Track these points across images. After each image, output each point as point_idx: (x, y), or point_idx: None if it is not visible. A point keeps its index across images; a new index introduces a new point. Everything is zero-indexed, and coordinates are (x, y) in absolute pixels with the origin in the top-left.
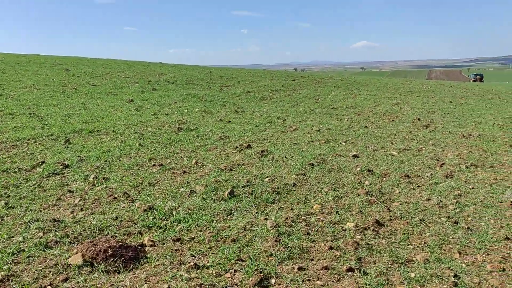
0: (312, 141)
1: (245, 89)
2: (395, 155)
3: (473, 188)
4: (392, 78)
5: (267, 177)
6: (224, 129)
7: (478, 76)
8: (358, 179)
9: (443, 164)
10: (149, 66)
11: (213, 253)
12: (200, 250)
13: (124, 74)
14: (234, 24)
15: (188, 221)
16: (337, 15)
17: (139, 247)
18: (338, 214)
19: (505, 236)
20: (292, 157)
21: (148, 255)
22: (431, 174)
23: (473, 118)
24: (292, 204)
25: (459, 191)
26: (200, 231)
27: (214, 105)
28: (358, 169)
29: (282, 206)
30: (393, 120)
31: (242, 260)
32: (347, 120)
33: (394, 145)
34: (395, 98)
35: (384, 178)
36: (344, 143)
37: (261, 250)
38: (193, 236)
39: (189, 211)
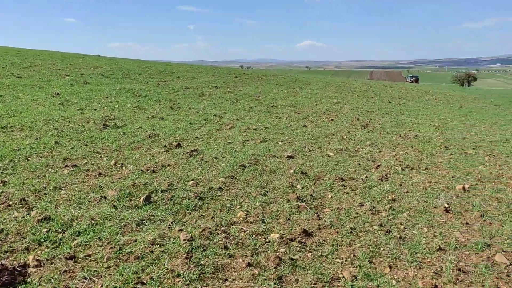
0: (247, 140)
1: (184, 85)
2: (332, 156)
3: (407, 192)
4: (334, 77)
5: (192, 180)
6: (155, 126)
7: (414, 78)
8: (290, 182)
9: (379, 166)
10: (84, 59)
11: (110, 274)
12: (95, 270)
13: (56, 66)
14: (180, 19)
15: (88, 234)
16: (283, 14)
17: (19, 269)
18: (264, 222)
19: (438, 247)
20: (223, 157)
21: (28, 279)
22: (366, 177)
23: (410, 118)
24: (214, 211)
25: (393, 195)
26: (101, 246)
27: (149, 100)
28: (292, 171)
29: (203, 214)
30: (332, 120)
31: (143, 283)
32: (286, 119)
33: (331, 145)
34: (336, 97)
35: (318, 181)
36: (280, 143)
37: (167, 269)
38: (90, 252)
39: (93, 222)
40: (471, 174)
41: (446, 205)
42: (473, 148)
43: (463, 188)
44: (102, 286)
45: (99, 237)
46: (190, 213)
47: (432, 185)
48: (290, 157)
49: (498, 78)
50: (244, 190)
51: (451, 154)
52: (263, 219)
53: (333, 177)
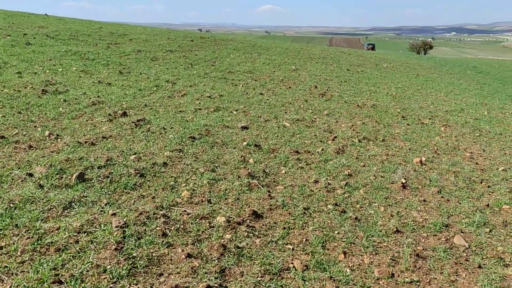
0: (199, 109)
1: (136, 48)
2: (287, 126)
3: (364, 166)
4: (293, 43)
5: (134, 154)
6: (101, 92)
7: (370, 46)
8: (242, 156)
9: (336, 137)
10: (30, 18)
11: (23, 271)
12: (6, 266)
13: None
14: None
15: (5, 221)
16: None
17: None
18: (210, 203)
19: (395, 229)
20: (172, 128)
21: None
22: (322, 150)
23: (368, 87)
24: (156, 190)
25: (349, 170)
26: (17, 235)
27: (97, 64)
28: (245, 143)
29: (143, 194)
30: (290, 87)
31: (60, 282)
32: (242, 86)
33: (288, 115)
34: (294, 64)
35: (272, 155)
36: (235, 112)
37: (92, 264)
38: (3, 244)
39: (11, 205)
40: (427, 146)
41: (404, 181)
42: (429, 118)
43: (420, 161)
44: (11, 286)
45: (16, 224)
46: (128, 193)
47: (389, 158)
48: (244, 127)
49: (453, 46)
50: (191, 165)
51: (408, 124)
52: (210, 199)
53: (288, 150)
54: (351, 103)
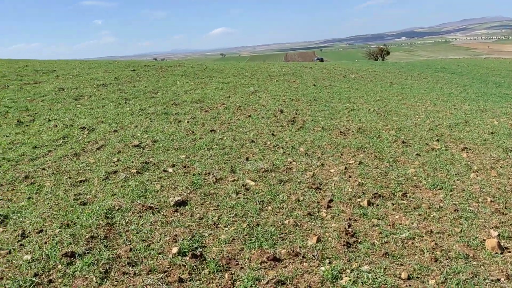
0: (114, 173)
1: (59, 86)
2: (252, 187)
3: (408, 280)
4: (249, 62)
5: None
6: None
7: (318, 59)
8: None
9: (332, 201)
10: None
11: None
12: None
13: None
14: (85, 15)
15: None
16: (191, 3)
17: None
18: None
19: None
20: (40, 232)
21: None
22: (318, 241)
23: (343, 104)
24: None
25: None
26: None
27: None
28: (175, 250)
29: None
30: (249, 116)
31: None
32: (188, 122)
33: (251, 164)
34: (253, 85)
35: (226, 278)
36: (170, 170)
37: None
38: None
39: None
40: (473, 196)
41: None
42: (437, 140)
43: (498, 245)
44: None
45: None
46: None
47: (438, 243)
48: (179, 204)
49: (405, 50)
50: None
51: (417, 155)
52: None
53: (257, 255)
54: (331, 129)
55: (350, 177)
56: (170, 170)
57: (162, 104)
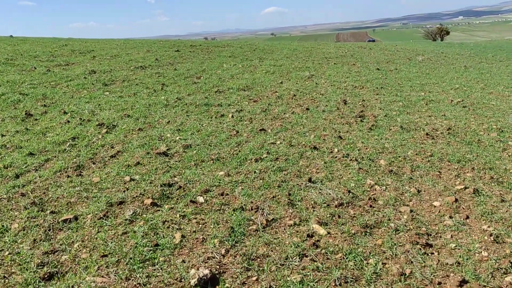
0: (120, 204)
1: (91, 68)
2: (322, 237)
3: None
4: (302, 42)
5: None
6: None
7: (370, 41)
8: None
9: (463, 285)
10: None
11: None
12: None
13: None
14: None
15: None
16: None
17: None
18: None
19: None
20: None
21: None
22: None
23: (416, 92)
24: None
25: None
26: None
27: (2, 103)
28: None
29: None
30: (307, 109)
31: None
32: (232, 117)
33: (315, 191)
34: (308, 69)
35: None
36: (199, 201)
37: None
38: None
39: None
40: None
41: None
42: None
43: None
44: None
45: None
46: None
47: None
48: (205, 283)
49: (463, 31)
50: None
51: None
52: None
53: None
54: (412, 128)
55: (467, 217)
56: (201, 199)
57: (203, 92)
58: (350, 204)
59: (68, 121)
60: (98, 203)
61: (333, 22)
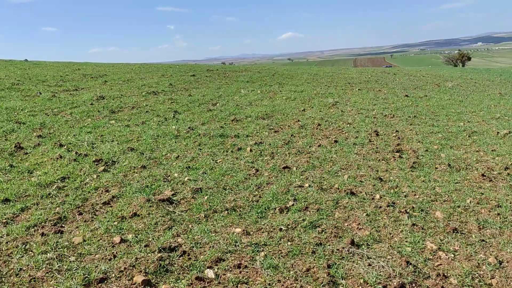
0: (101, 282)
1: (100, 94)
2: None
3: None
4: (322, 67)
5: None
6: None
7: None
8: None
9: None
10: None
11: None
12: None
13: None
14: (159, 20)
15: None
16: (261, 8)
17: None
18: None
19: None
20: None
21: None
22: None
23: (454, 122)
24: None
25: None
26: None
27: None
28: None
29: None
30: (335, 141)
31: None
32: (250, 151)
33: (363, 264)
34: (331, 95)
35: None
36: (208, 277)
37: None
38: None
39: None
40: None
41: None
42: None
43: None
44: None
45: None
46: None
47: None
48: None
49: (482, 57)
50: None
51: None
52: None
53: None
54: (462, 167)
55: None
56: (211, 274)
57: (219, 120)
58: (414, 285)
59: (61, 156)
60: (72, 279)
61: (350, 47)
